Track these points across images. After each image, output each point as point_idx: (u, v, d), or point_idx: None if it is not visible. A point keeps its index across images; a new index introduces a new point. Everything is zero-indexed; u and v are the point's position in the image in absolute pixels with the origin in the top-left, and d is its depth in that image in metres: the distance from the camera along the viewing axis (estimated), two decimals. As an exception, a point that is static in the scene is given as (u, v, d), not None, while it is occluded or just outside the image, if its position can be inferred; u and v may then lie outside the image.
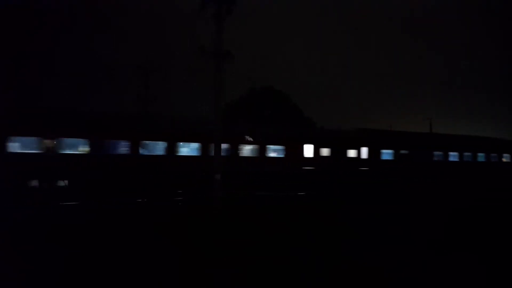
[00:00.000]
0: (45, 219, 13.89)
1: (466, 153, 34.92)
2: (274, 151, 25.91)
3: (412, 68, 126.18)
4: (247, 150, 24.78)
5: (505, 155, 37.34)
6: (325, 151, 28.08)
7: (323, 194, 24.08)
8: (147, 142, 21.51)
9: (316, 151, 27.53)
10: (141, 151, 21.28)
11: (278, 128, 28.45)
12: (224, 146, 20.85)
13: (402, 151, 31.63)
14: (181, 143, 22.64)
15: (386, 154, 30.82)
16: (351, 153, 29.07)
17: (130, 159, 20.94)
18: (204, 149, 22.91)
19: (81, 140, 20.00)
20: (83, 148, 20.09)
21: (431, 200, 22.62)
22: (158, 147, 21.87)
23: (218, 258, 8.48)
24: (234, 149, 24.22)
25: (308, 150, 27.35)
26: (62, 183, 19.45)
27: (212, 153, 19.62)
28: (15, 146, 18.39)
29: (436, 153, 33.44)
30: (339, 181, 27.47)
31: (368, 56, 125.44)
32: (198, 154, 22.96)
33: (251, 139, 24.59)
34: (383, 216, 15.50)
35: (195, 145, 23.04)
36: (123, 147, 20.92)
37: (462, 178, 33.24)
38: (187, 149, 22.93)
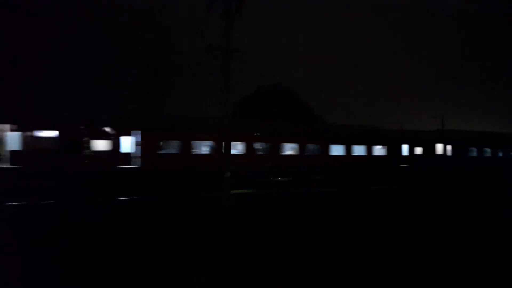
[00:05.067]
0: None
1: None
2: (379, 151, 31.97)
3: (420, 65, 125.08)
4: (358, 150, 30.99)
5: None
6: (418, 150, 33.41)
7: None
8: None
9: (411, 150, 32.90)
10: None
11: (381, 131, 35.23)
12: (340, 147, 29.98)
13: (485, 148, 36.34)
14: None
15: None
16: (439, 150, 34.39)
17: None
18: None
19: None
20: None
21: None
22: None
23: (220, 261, 8.34)
24: (349, 150, 30.62)
25: (405, 150, 32.72)
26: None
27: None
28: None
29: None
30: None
31: (376, 54, 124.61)
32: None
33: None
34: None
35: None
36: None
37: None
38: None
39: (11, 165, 19.50)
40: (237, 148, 25.12)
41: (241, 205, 16.01)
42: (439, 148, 34.49)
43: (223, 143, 16.62)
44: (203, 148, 24.25)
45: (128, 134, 22.12)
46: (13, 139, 19.68)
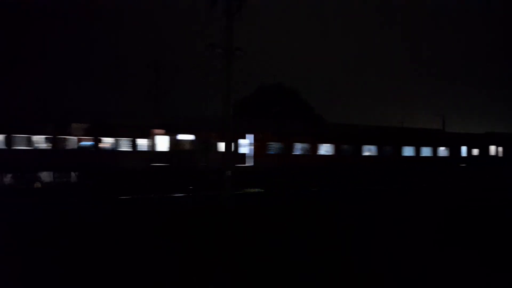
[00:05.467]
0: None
1: None
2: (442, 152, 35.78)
3: (422, 64, 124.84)
4: (425, 151, 34.70)
5: None
6: (474, 151, 37.32)
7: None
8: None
9: (469, 151, 36.43)
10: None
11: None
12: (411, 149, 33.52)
13: None
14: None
15: None
16: (492, 151, 38.57)
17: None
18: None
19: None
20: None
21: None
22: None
23: (220, 261, 8.30)
24: (418, 152, 34.12)
25: (463, 151, 36.56)
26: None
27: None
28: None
29: None
30: None
31: (377, 53, 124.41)
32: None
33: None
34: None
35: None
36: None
37: None
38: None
39: (158, 163, 24.05)
40: (325, 149, 29.90)
41: (242, 205, 15.99)
42: (492, 149, 38.63)
43: (225, 143, 16.55)
44: (299, 149, 28.82)
45: (244, 137, 26.45)
46: (162, 142, 24.22)
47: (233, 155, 24.26)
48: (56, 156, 21.33)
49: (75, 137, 21.81)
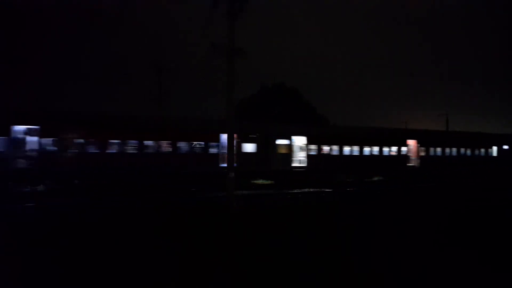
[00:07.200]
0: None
1: None
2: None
3: (425, 64, 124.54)
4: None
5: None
6: None
7: None
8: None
9: None
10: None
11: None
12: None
13: None
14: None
15: None
16: None
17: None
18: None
19: None
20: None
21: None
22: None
23: (220, 261, 8.30)
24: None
25: None
26: None
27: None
28: None
29: None
30: None
31: (381, 53, 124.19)
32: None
33: None
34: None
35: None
36: None
37: None
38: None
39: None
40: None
41: (244, 205, 16.01)
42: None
43: (228, 143, 16.57)
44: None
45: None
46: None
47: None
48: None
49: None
